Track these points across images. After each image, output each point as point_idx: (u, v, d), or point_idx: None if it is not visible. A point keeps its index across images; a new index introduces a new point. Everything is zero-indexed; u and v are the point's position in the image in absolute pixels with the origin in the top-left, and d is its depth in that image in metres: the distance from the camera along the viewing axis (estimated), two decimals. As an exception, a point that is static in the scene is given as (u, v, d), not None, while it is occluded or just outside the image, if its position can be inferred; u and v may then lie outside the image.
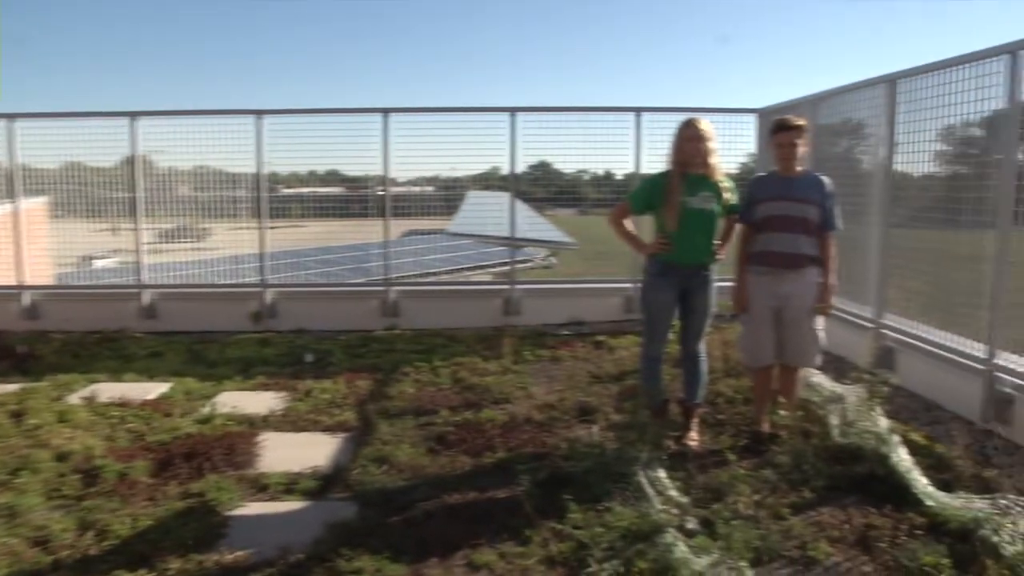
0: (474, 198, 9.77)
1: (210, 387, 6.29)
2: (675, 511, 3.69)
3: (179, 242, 9.18)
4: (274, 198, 8.83)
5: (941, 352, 5.65)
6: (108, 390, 6.07)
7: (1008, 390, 4.97)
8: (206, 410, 5.60)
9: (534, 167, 9.72)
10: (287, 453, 4.80)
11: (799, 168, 4.78)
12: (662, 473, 4.04)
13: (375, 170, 8.86)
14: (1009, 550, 3.25)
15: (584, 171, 9.71)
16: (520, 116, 8.72)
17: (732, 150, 8.94)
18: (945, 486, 4.00)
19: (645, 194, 4.87)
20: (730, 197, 4.82)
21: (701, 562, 3.17)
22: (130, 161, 8.59)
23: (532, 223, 9.56)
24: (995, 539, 3.33)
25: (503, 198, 9.13)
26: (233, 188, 8.88)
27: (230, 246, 9.10)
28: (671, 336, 5.06)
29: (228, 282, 9.09)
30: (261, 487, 4.29)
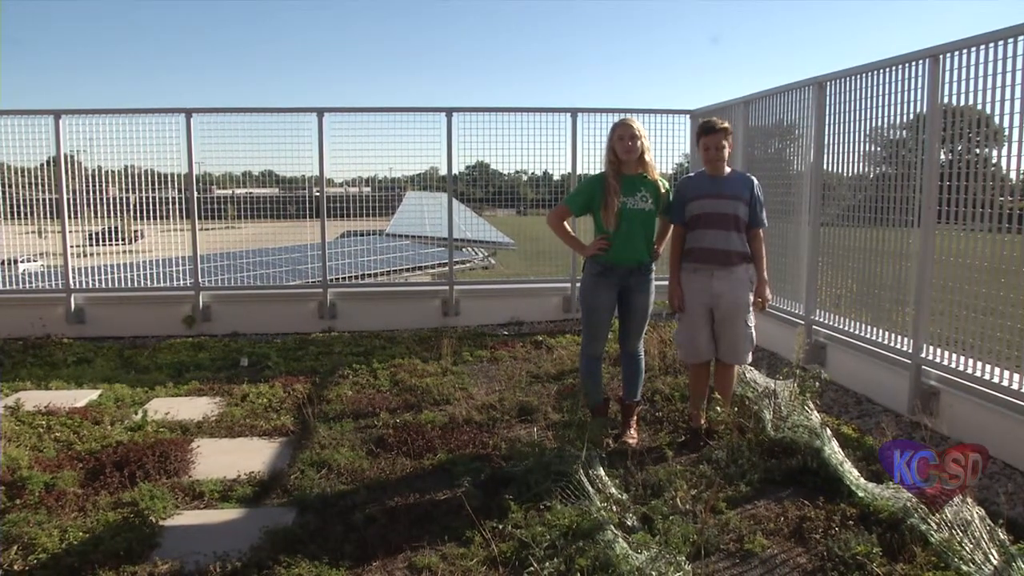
0: (412, 199, 9.73)
1: (142, 393, 6.14)
2: (615, 508, 3.72)
3: (108, 245, 8.92)
4: (207, 199, 8.66)
5: (870, 347, 5.82)
6: (34, 398, 5.88)
7: (933, 383, 5.15)
8: (138, 417, 5.46)
9: (472, 168, 9.72)
10: (223, 459, 4.71)
11: (727, 168, 4.89)
12: (602, 471, 4.07)
13: (311, 171, 8.76)
14: (936, 537, 3.37)
15: (523, 172, 9.74)
16: (457, 116, 8.71)
17: (667, 151, 9.10)
18: (875, 477, 4.11)
19: (584, 196, 4.90)
20: (667, 196, 4.89)
21: (641, 557, 3.20)
22: (55, 161, 8.32)
23: (470, 223, 9.55)
24: (923, 527, 3.45)
25: (441, 199, 9.10)
26: (164, 189, 8.67)
27: (162, 249, 8.87)
28: (610, 335, 5.11)
29: (160, 285, 8.88)
30: (196, 495, 4.19)
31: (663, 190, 4.86)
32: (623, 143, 4.70)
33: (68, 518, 3.85)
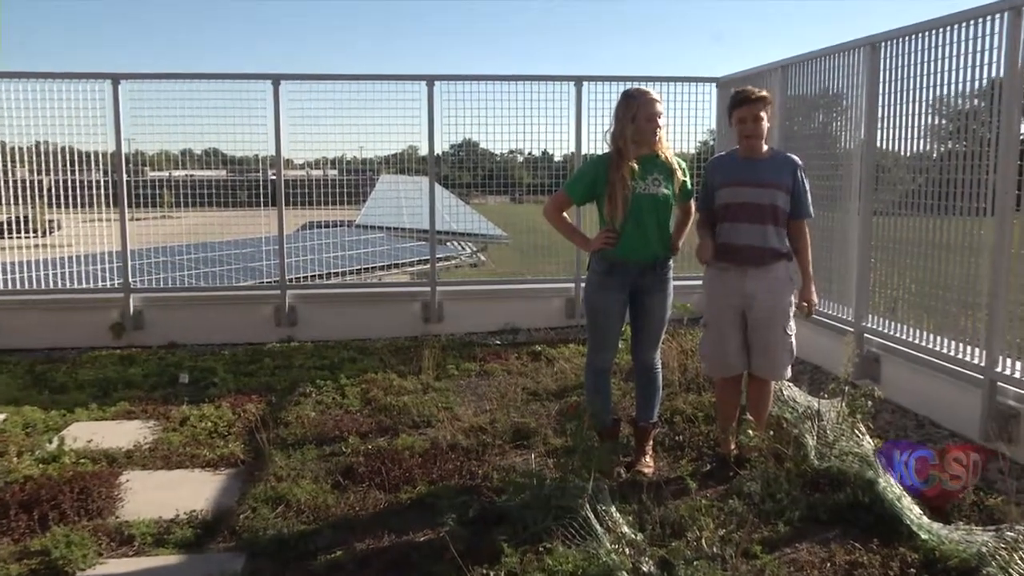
0: (387, 184, 9.72)
1: (57, 417, 6.09)
2: (628, 551, 3.70)
3: (15, 238, 8.85)
4: (139, 183, 8.62)
5: (933, 360, 5.80)
6: (-79, 425, 5.83)
7: (1012, 403, 5.11)
8: (52, 446, 5.41)
9: (458, 147, 9.72)
10: (157, 496, 4.68)
11: (765, 148, 4.85)
12: (612, 506, 4.05)
13: (265, 150, 8.75)
14: (1020, 589, 3.34)
15: (518, 152, 9.74)
16: (440, 85, 8.71)
17: (690, 126, 9.11)
18: (942, 516, 4.10)
19: (586, 181, 4.88)
20: (684, 179, 4.87)
21: (660, 611, 3.19)
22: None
23: (456, 213, 9.54)
24: (1003, 577, 3.41)
25: (421, 184, 9.09)
26: (86, 171, 8.63)
27: (83, 243, 8.83)
28: (621, 345, 5.09)
29: (81, 287, 8.84)
30: (124, 539, 4.15)
31: (679, 171, 4.84)
32: (653, 124, 4.68)
33: (-41, 574, 3.81)
